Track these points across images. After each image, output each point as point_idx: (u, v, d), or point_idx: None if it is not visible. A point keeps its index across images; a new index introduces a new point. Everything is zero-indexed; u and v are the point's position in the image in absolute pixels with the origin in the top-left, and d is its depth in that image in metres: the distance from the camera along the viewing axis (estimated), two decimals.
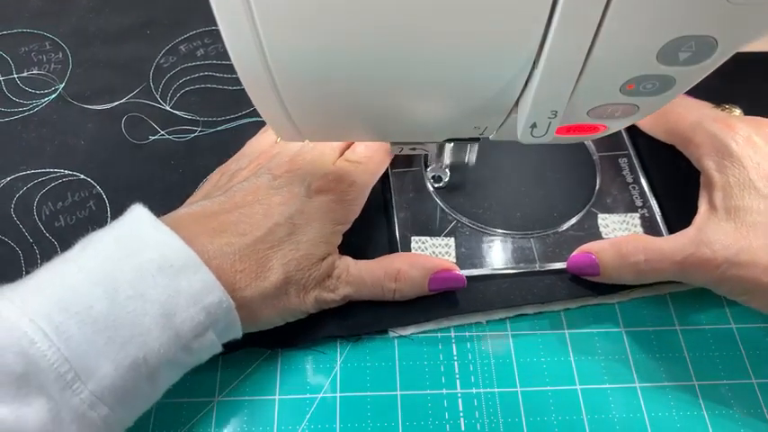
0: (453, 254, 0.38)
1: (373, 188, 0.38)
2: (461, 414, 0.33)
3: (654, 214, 0.39)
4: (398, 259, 0.35)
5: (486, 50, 0.20)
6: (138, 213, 0.30)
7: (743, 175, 0.34)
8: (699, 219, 0.35)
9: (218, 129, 0.44)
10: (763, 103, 0.38)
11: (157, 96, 0.45)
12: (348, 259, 0.35)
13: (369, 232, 0.39)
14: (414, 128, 0.28)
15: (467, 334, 0.36)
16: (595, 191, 0.40)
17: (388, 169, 0.41)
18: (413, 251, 0.38)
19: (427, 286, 0.35)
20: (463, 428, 0.33)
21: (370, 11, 0.19)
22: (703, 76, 0.22)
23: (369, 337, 0.36)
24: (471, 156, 0.37)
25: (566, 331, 0.36)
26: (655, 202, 0.40)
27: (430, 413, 0.33)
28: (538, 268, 0.37)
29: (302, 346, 0.35)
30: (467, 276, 0.36)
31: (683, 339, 0.36)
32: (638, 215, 0.39)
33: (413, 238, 0.38)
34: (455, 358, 0.35)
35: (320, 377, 0.34)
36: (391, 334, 0.36)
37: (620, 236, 0.38)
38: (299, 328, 0.34)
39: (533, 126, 0.23)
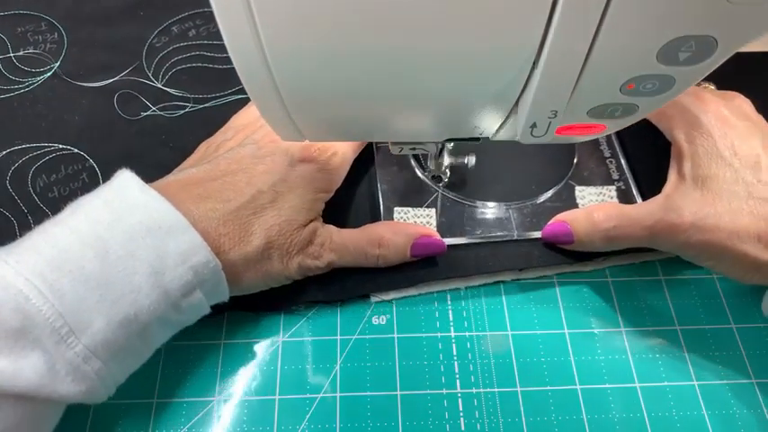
0: (434, 224, 0.39)
1: (358, 161, 0.40)
2: (461, 414, 0.33)
3: (630, 187, 0.41)
4: (381, 227, 0.37)
5: (487, 50, 0.20)
6: (125, 178, 0.31)
7: (710, 145, 0.35)
8: (668, 187, 0.36)
9: (207, 105, 0.45)
10: (760, 102, 0.38)
11: (150, 75, 0.47)
12: (332, 227, 0.36)
13: (353, 204, 0.40)
14: (414, 128, 0.28)
15: (467, 334, 0.36)
16: (573, 164, 0.42)
17: (372, 142, 0.42)
18: (398, 221, 0.39)
19: (409, 252, 0.36)
20: (463, 428, 0.33)
21: (371, 11, 0.19)
22: (703, 76, 0.22)
23: (369, 337, 0.36)
24: (471, 158, 0.38)
25: (566, 331, 0.36)
26: (630, 175, 0.41)
27: (430, 413, 0.33)
28: (516, 237, 0.38)
29: (279, 310, 0.37)
30: (447, 245, 0.37)
31: (683, 339, 0.36)
32: (614, 187, 0.41)
33: (395, 208, 0.39)
34: (455, 358, 0.35)
35: (320, 377, 0.34)
36: (373, 299, 0.37)
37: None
38: (283, 293, 0.35)
39: (533, 126, 0.23)
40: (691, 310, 0.37)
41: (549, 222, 0.38)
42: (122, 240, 0.28)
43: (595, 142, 0.43)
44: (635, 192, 0.40)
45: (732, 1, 0.18)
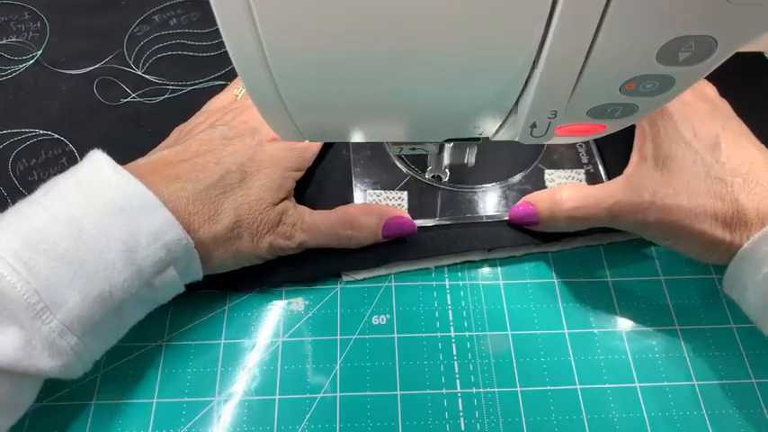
0: (406, 206, 0.40)
1: (333, 145, 0.41)
2: (461, 414, 0.33)
3: (598, 170, 0.41)
4: (353, 208, 0.38)
5: (486, 51, 0.20)
6: (98, 158, 0.31)
7: (671, 126, 0.35)
8: (630, 168, 0.37)
9: (185, 91, 0.46)
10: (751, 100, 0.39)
11: (130, 62, 0.48)
12: (304, 208, 0.37)
13: (328, 186, 0.41)
14: (414, 128, 0.28)
15: (467, 334, 0.36)
16: (544, 148, 0.42)
17: None
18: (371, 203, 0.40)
19: (380, 233, 0.37)
20: (463, 428, 0.33)
21: (371, 11, 0.19)
22: (703, 76, 0.22)
23: (369, 337, 0.36)
24: (471, 157, 0.37)
25: (566, 331, 0.36)
26: (599, 158, 0.42)
27: (430, 413, 0.33)
28: (485, 219, 0.39)
29: (252, 290, 0.37)
30: (418, 227, 0.38)
31: (682, 339, 0.36)
32: (583, 171, 0.41)
33: (368, 191, 0.40)
34: (455, 358, 0.35)
35: (320, 377, 0.34)
36: (344, 278, 0.38)
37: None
38: (255, 273, 0.36)
39: (533, 126, 0.23)
40: (691, 310, 0.37)
41: (516, 205, 0.39)
42: (95, 219, 0.29)
43: None
44: (603, 175, 0.41)
45: (732, 1, 0.18)
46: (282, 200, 0.36)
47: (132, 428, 0.33)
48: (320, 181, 0.41)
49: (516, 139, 0.25)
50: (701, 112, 0.36)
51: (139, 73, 0.47)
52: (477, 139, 0.29)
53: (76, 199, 0.29)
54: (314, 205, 0.38)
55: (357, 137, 0.30)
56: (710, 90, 0.39)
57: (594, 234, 0.39)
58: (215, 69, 0.47)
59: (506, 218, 0.39)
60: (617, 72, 0.21)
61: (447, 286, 0.38)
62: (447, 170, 0.41)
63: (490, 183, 0.41)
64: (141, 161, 0.35)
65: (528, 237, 0.39)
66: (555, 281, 0.38)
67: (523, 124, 0.23)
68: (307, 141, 0.36)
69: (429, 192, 0.40)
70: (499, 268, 0.39)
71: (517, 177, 0.41)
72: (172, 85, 0.46)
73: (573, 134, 0.26)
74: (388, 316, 0.37)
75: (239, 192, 0.34)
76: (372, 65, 0.21)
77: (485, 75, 0.22)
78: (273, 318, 0.37)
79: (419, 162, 0.41)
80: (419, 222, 0.39)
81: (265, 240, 0.35)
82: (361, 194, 0.40)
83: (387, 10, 0.18)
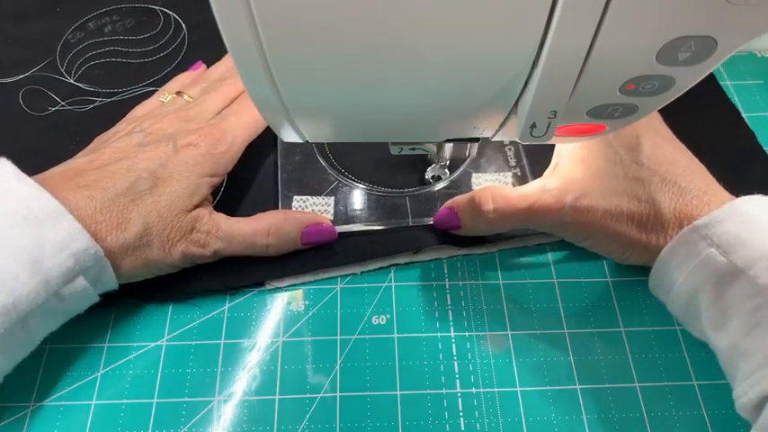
0: (332, 212, 0.39)
1: (260, 149, 0.40)
2: (461, 414, 0.33)
3: (526, 173, 0.41)
4: (272, 215, 0.37)
5: (486, 51, 0.20)
6: (1, 167, 0.31)
7: None
8: (549, 168, 0.36)
9: (116, 99, 0.45)
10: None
11: (62, 70, 0.47)
12: (220, 215, 0.36)
13: (253, 192, 0.40)
14: (414, 128, 0.28)
15: (466, 334, 0.36)
16: (470, 153, 0.41)
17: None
18: (293, 209, 0.39)
19: (300, 240, 0.36)
20: (463, 428, 0.33)
21: (371, 11, 0.19)
22: (703, 76, 0.22)
23: (369, 337, 0.36)
24: (472, 150, 0.38)
25: (566, 331, 0.36)
26: (527, 161, 0.41)
27: (430, 413, 0.33)
28: (410, 223, 0.39)
29: (171, 300, 0.36)
30: (343, 232, 0.38)
31: (682, 339, 0.36)
32: (510, 174, 0.41)
33: (294, 197, 0.40)
34: (455, 358, 0.35)
35: (320, 377, 0.34)
36: (267, 286, 0.37)
37: None
38: (174, 281, 0.35)
39: (533, 126, 0.23)
40: None
41: (439, 209, 0.38)
42: None
43: None
44: (530, 178, 0.40)
45: (732, 1, 0.18)
46: (196, 206, 0.35)
47: (132, 428, 0.33)
48: (245, 186, 0.40)
49: (516, 140, 0.25)
50: None
51: (71, 81, 0.46)
52: (478, 139, 0.29)
53: None
54: (236, 211, 0.37)
55: (356, 137, 0.30)
56: None
57: (520, 237, 0.38)
58: (148, 76, 0.46)
59: (431, 221, 0.39)
60: (617, 72, 0.21)
61: (447, 286, 0.38)
62: (447, 170, 0.41)
63: (418, 187, 0.40)
64: (52, 171, 0.34)
65: (452, 239, 0.38)
66: (555, 281, 0.38)
67: (523, 124, 0.23)
68: (226, 146, 0.36)
69: (356, 197, 0.40)
70: (499, 269, 0.39)
71: (443, 183, 0.41)
72: (103, 92, 0.46)
73: (573, 134, 0.26)
74: (388, 316, 0.37)
75: (150, 199, 0.33)
76: (372, 64, 0.21)
77: (485, 75, 0.22)
78: (273, 318, 0.37)
79: (348, 166, 0.41)
80: (345, 228, 0.38)
81: (177, 248, 0.34)
82: (285, 200, 0.40)
83: (387, 9, 0.19)
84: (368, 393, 0.34)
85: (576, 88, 0.21)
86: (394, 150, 0.34)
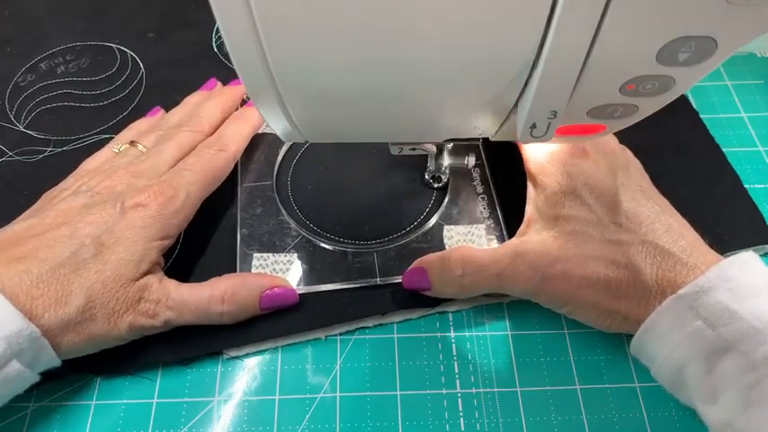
0: (297, 271, 0.37)
1: (219, 203, 0.38)
2: (461, 414, 0.33)
3: (500, 225, 0.39)
4: (226, 280, 0.34)
5: (486, 51, 0.20)
6: None
7: (567, 182, 0.33)
8: (521, 228, 0.34)
9: (66, 148, 0.42)
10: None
11: (11, 116, 0.44)
12: (170, 282, 0.33)
13: (211, 251, 0.38)
14: (414, 128, 0.28)
15: (466, 334, 0.36)
16: (444, 202, 0.40)
17: (237, 183, 0.40)
18: (253, 269, 0.37)
19: (259, 305, 0.34)
20: (463, 428, 0.33)
21: (371, 10, 0.19)
22: (703, 77, 0.22)
23: (369, 337, 0.36)
24: (470, 159, 0.37)
25: (565, 331, 0.36)
26: (501, 212, 0.39)
27: (430, 413, 0.33)
28: (378, 282, 0.37)
29: (125, 373, 0.34)
30: (307, 294, 0.35)
31: None
32: (483, 226, 0.39)
33: (255, 255, 0.37)
34: (455, 358, 0.35)
35: (320, 377, 0.34)
36: (225, 356, 0.35)
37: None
38: (123, 353, 0.33)
39: (533, 126, 0.23)
40: None
41: (409, 269, 0.35)
42: None
43: (469, 178, 0.41)
44: (504, 230, 0.38)
45: (732, 1, 0.18)
46: (145, 273, 0.32)
47: (132, 428, 0.33)
48: (202, 244, 0.38)
49: (516, 140, 0.25)
50: (601, 167, 0.34)
51: (21, 128, 0.43)
52: (478, 139, 0.29)
53: None
54: (191, 273, 0.35)
55: (356, 136, 0.30)
56: (611, 140, 0.36)
57: (493, 294, 0.35)
58: (102, 122, 0.43)
59: (400, 280, 0.36)
60: (617, 72, 0.21)
61: None
62: (447, 171, 0.40)
63: (388, 240, 0.38)
64: None
65: (422, 299, 0.35)
66: None
67: (523, 124, 0.23)
68: (178, 205, 0.33)
69: (320, 253, 0.37)
70: None
71: (414, 235, 0.38)
72: (54, 140, 0.43)
73: (573, 134, 0.26)
74: None
75: (93, 268, 0.30)
76: (371, 63, 0.21)
77: (485, 75, 0.22)
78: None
79: (313, 217, 0.39)
80: (309, 289, 0.36)
81: (124, 320, 0.31)
82: (245, 259, 0.37)
83: (386, 9, 0.19)
84: (368, 393, 0.34)
85: (576, 88, 0.21)
86: (394, 150, 0.34)
